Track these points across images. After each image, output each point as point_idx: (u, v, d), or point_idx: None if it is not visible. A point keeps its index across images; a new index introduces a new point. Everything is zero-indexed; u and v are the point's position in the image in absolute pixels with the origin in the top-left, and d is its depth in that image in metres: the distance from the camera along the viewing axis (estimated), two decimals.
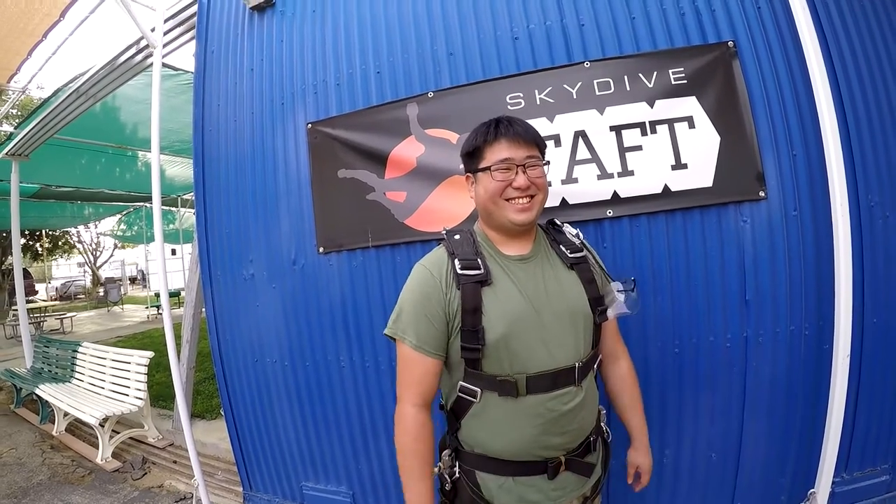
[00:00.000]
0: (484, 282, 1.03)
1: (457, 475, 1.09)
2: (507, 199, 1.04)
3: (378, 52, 1.96)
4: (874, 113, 1.78)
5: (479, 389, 1.03)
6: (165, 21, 2.81)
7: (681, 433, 1.74)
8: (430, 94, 1.84)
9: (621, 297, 1.12)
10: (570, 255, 1.12)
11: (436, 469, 1.13)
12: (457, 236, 1.12)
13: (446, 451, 1.12)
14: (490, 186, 1.05)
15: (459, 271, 1.03)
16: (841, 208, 1.62)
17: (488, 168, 1.04)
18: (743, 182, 1.69)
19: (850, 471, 1.78)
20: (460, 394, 1.06)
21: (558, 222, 1.21)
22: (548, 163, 1.10)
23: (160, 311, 10.36)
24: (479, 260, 1.05)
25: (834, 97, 1.67)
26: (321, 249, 2.00)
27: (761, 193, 1.69)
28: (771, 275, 1.69)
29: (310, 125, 2.03)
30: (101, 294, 15.21)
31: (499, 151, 1.04)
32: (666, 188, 1.68)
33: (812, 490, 1.69)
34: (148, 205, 8.72)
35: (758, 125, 1.72)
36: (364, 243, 1.90)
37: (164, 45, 2.94)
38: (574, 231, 1.18)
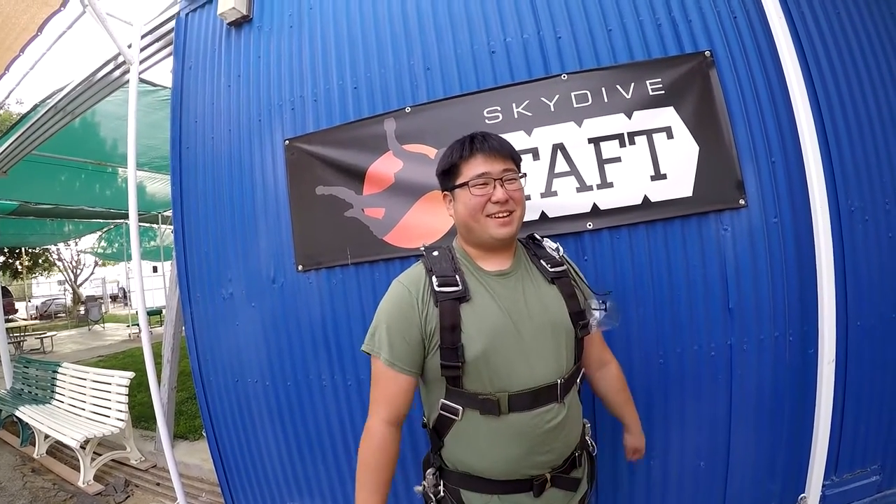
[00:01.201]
0: (462, 298, 1.02)
1: (441, 494, 1.08)
2: (488, 216, 1.04)
3: (355, 68, 1.96)
4: (851, 118, 1.81)
5: (460, 407, 1.03)
6: (143, 37, 2.78)
7: (668, 443, 1.74)
8: (408, 110, 1.84)
9: (598, 314, 1.13)
10: (550, 270, 1.12)
11: (420, 488, 1.13)
12: (435, 252, 1.11)
13: (430, 470, 1.12)
14: (470, 202, 1.05)
15: (437, 288, 1.03)
16: (821, 213, 1.64)
17: (466, 184, 1.04)
18: (723, 190, 1.71)
19: (839, 473, 1.78)
20: (442, 412, 1.05)
21: (538, 237, 1.21)
22: (524, 175, 1.11)
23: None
24: (457, 276, 1.05)
25: (811, 104, 1.70)
26: (300, 267, 1.98)
27: (741, 201, 1.70)
28: (753, 282, 1.70)
29: (287, 141, 2.02)
30: (82, 312, 14.93)
31: (475, 167, 1.05)
32: (646, 199, 1.69)
33: (802, 495, 1.70)
34: (127, 222, 8.63)
35: (736, 133, 1.73)
36: (343, 261, 1.89)
37: (142, 62, 2.92)
38: (554, 245, 1.19)
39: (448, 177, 1.10)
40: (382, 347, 1.04)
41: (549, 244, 1.19)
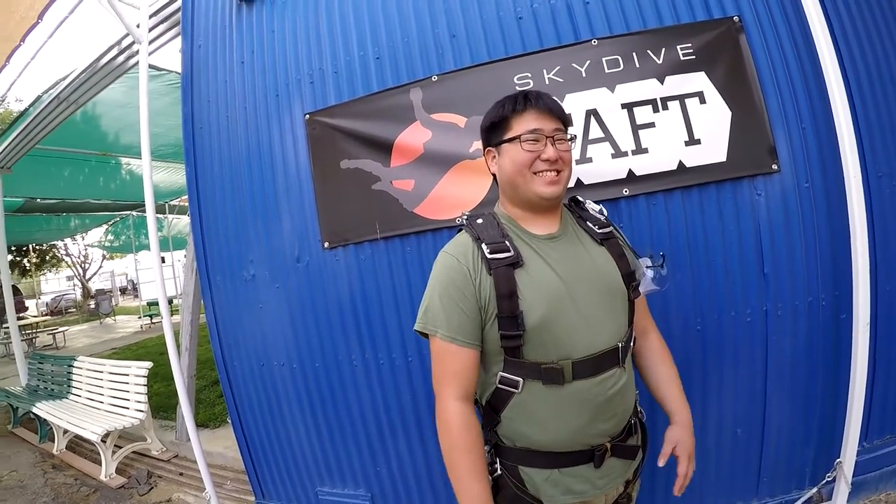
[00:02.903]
0: (516, 264, 0.94)
1: (498, 472, 0.99)
2: (535, 173, 0.96)
3: (377, 38, 1.83)
4: (877, 85, 1.73)
5: (520, 379, 0.94)
6: (152, 15, 2.62)
7: (706, 411, 1.67)
8: (435, 78, 1.72)
9: (651, 273, 1.05)
10: (598, 231, 1.04)
11: None
12: (479, 220, 1.02)
13: (485, 448, 1.01)
14: (518, 157, 0.96)
15: (489, 255, 0.94)
16: (854, 178, 1.57)
17: (516, 138, 0.96)
18: (756, 156, 1.63)
19: (870, 439, 1.73)
20: (500, 385, 0.96)
21: (581, 199, 1.13)
22: (574, 137, 1.02)
23: (153, 321, 10.11)
24: (506, 242, 0.96)
25: (841, 69, 1.61)
26: (326, 245, 1.86)
27: (774, 167, 1.62)
28: (787, 247, 1.63)
29: (308, 116, 1.89)
30: (93, 306, 14.63)
31: (528, 122, 0.96)
32: (681, 164, 1.60)
33: (838, 460, 1.64)
34: (135, 213, 8.39)
35: (767, 99, 1.65)
36: (371, 235, 1.77)
37: (152, 41, 2.76)
38: (598, 207, 1.11)
39: (496, 131, 1.01)
40: (439, 323, 0.95)
41: (591, 206, 1.12)
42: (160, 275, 2.13)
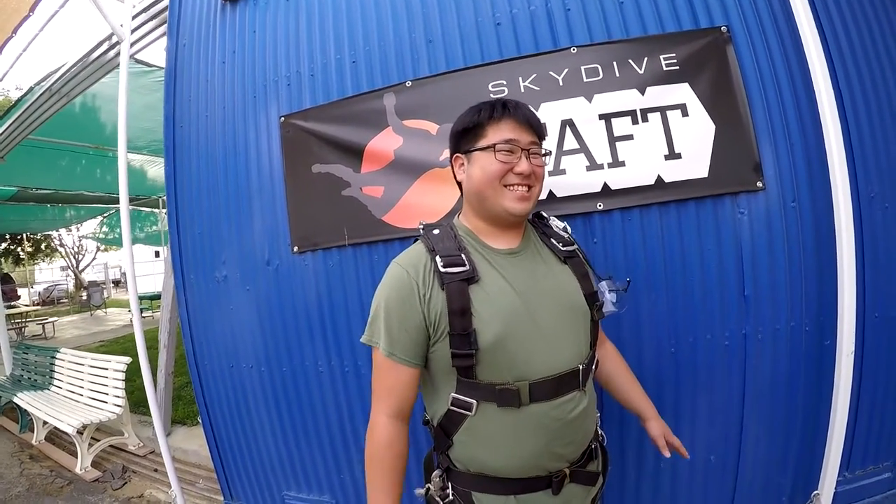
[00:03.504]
0: (471, 279, 0.91)
1: (450, 497, 0.97)
2: (506, 186, 0.93)
3: (354, 41, 1.83)
4: (872, 101, 1.69)
5: (474, 401, 0.91)
6: (137, 15, 2.65)
7: (678, 435, 1.58)
8: (408, 84, 1.71)
9: (612, 296, 1.04)
10: (562, 249, 1.01)
11: (421, 491, 1.03)
12: (436, 231, 0.99)
13: (436, 472, 1.00)
14: (490, 168, 0.93)
15: (442, 269, 0.91)
16: (843, 199, 1.53)
17: (491, 147, 0.92)
18: (740, 172, 1.59)
19: (851, 469, 1.68)
20: (452, 407, 0.93)
21: (545, 214, 1.10)
22: (548, 153, 1.00)
23: (144, 315, 10.19)
24: (462, 255, 0.93)
25: (833, 85, 1.58)
26: (295, 249, 1.86)
27: (759, 184, 1.58)
28: (770, 269, 1.59)
29: (283, 118, 1.89)
30: (84, 298, 14.78)
31: (504, 131, 0.93)
32: (659, 179, 1.57)
33: (816, 492, 1.60)
34: (130, 207, 8.48)
35: (754, 114, 1.61)
36: (340, 242, 1.76)
37: (138, 41, 2.79)
38: (561, 224, 1.09)
39: (468, 137, 0.97)
40: (381, 337, 0.94)
41: (556, 223, 1.09)
42: (131, 271, 2.15)
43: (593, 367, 1.01)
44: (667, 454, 1.13)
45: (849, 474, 1.67)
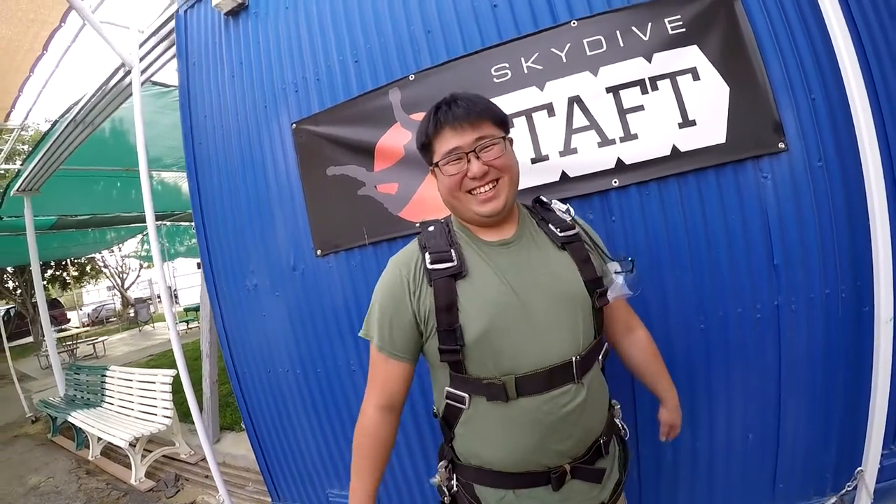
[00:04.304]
0: (458, 274, 0.92)
1: (455, 488, 1.01)
2: (469, 191, 0.93)
3: (354, 40, 1.87)
4: (895, 40, 1.60)
5: (466, 395, 0.93)
6: (147, 39, 2.77)
7: (713, 415, 1.62)
8: (412, 77, 1.74)
9: (619, 278, 1.00)
10: (560, 234, 1.00)
11: (435, 479, 1.05)
12: (431, 227, 1.02)
13: (442, 463, 1.04)
14: (446, 182, 0.94)
15: (429, 266, 0.93)
16: (871, 154, 1.46)
17: (437, 163, 0.95)
18: (759, 134, 1.55)
19: None
20: (448, 400, 0.96)
21: (545, 199, 1.09)
22: (504, 137, 0.95)
23: (189, 326, 10.72)
24: (452, 251, 0.95)
25: (850, 28, 1.50)
26: (318, 252, 1.93)
27: (781, 145, 1.54)
28: (799, 234, 1.54)
29: (294, 125, 1.96)
30: (132, 315, 15.64)
31: (446, 142, 0.92)
32: (675, 149, 1.54)
33: (859, 468, 1.55)
34: (167, 223, 8.88)
35: (769, 70, 1.56)
36: (360, 241, 1.82)
37: (151, 64, 2.92)
38: (564, 207, 1.06)
39: (425, 154, 1.00)
40: (374, 332, 0.98)
41: (558, 206, 1.06)
42: (164, 288, 2.28)
43: (599, 356, 0.99)
44: (661, 439, 1.22)
45: (895, 447, 1.61)
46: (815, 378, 1.58)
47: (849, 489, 1.58)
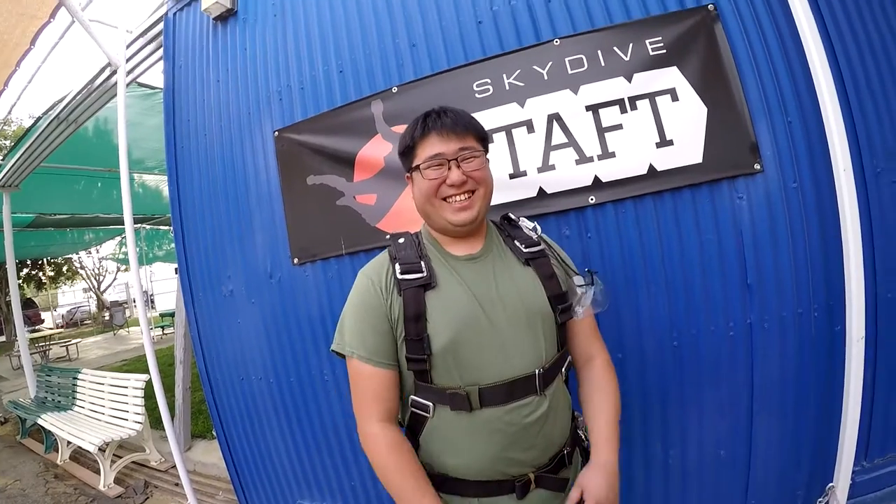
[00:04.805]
0: (427, 285, 0.95)
1: None
2: (445, 199, 0.96)
3: (339, 51, 1.89)
4: (872, 69, 1.66)
5: (430, 404, 0.95)
6: (135, 40, 2.77)
7: (685, 432, 1.63)
8: (394, 90, 1.76)
9: (585, 291, 1.01)
10: (524, 250, 1.03)
11: None
12: (401, 239, 1.04)
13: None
14: (423, 186, 0.97)
15: (399, 276, 0.95)
16: (845, 176, 1.52)
17: (419, 166, 0.97)
18: (736, 155, 1.59)
19: (870, 458, 1.66)
20: (413, 408, 0.98)
21: (513, 216, 1.12)
22: (486, 152, 1.00)
23: (165, 332, 10.57)
24: (421, 263, 0.97)
25: (828, 55, 1.56)
26: (295, 260, 1.93)
27: (756, 166, 1.58)
28: (773, 254, 1.58)
29: (276, 133, 1.97)
30: (107, 318, 15.39)
31: (430, 147, 0.95)
32: (651, 168, 1.58)
33: (830, 485, 1.58)
34: (147, 226, 8.80)
35: (747, 92, 1.61)
36: (337, 251, 1.83)
37: (137, 65, 2.92)
38: (531, 224, 1.09)
39: (406, 158, 1.02)
40: (355, 344, 0.96)
41: (525, 223, 1.10)
42: (140, 293, 2.26)
43: (563, 368, 1.01)
44: None
45: (867, 464, 1.64)
46: (787, 395, 1.60)
47: None
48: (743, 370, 1.60)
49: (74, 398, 4.14)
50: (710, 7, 1.63)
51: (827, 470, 1.59)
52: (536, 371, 0.93)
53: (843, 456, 1.52)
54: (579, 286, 1.01)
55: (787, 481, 1.63)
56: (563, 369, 1.02)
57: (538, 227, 1.09)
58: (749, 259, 1.58)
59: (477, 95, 1.66)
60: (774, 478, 1.63)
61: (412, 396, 0.97)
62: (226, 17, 2.22)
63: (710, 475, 1.64)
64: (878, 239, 1.61)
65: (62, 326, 16.71)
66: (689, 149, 1.59)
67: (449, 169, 0.94)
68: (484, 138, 1.01)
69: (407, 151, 1.01)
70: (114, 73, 3.14)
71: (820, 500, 1.59)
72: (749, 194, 1.59)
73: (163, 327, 10.98)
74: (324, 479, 2.06)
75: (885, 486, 1.62)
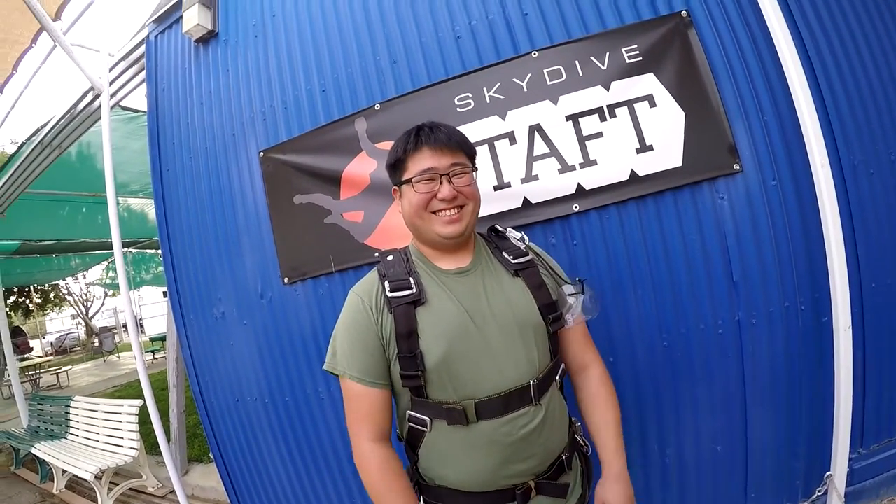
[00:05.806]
0: (417, 302, 0.97)
1: None
2: (434, 212, 0.99)
3: (321, 70, 1.94)
4: (844, 65, 1.73)
5: (427, 418, 0.97)
6: (117, 63, 2.81)
7: (681, 429, 1.68)
8: (377, 107, 1.81)
9: (574, 300, 1.04)
10: (513, 262, 1.05)
11: None
12: (389, 257, 1.06)
13: (410, 484, 1.08)
14: (414, 199, 0.99)
15: (389, 294, 0.98)
16: (822, 171, 1.58)
17: (411, 180, 0.99)
18: (715, 157, 1.65)
19: (866, 445, 1.72)
20: (410, 423, 1.00)
21: (500, 228, 1.15)
22: (475, 169, 1.04)
23: (156, 356, 10.50)
24: (411, 279, 0.99)
25: (800, 53, 1.63)
26: (286, 280, 1.97)
27: (736, 166, 1.64)
28: (757, 251, 1.64)
29: (262, 153, 2.01)
30: (96, 344, 15.24)
31: (422, 161, 0.98)
32: (633, 174, 1.63)
33: (828, 473, 1.63)
34: (133, 250, 8.78)
35: (723, 94, 1.68)
36: (327, 269, 1.87)
37: (120, 88, 2.96)
38: (518, 235, 1.12)
39: (395, 171, 1.04)
40: (346, 364, 0.97)
41: (512, 234, 1.12)
42: (130, 312, 2.28)
43: (557, 376, 1.03)
44: None
45: (863, 451, 1.70)
46: (780, 388, 1.66)
47: (819, 494, 1.65)
48: (734, 366, 1.65)
49: (68, 426, 4.11)
50: (684, 13, 1.70)
51: (824, 459, 1.65)
52: (531, 382, 0.95)
53: (839, 444, 1.57)
54: (570, 295, 1.04)
55: (786, 472, 1.69)
56: (558, 377, 1.05)
57: (526, 238, 1.12)
58: (734, 257, 1.64)
59: (458, 109, 1.71)
60: (772, 470, 1.68)
61: (409, 412, 0.99)
62: (207, 38, 2.27)
63: (709, 471, 1.69)
64: (858, 229, 1.67)
65: (51, 354, 16.55)
66: (668, 153, 1.64)
67: (441, 184, 0.97)
68: (473, 155, 1.05)
69: (397, 164, 1.02)
70: (97, 97, 3.18)
71: (819, 488, 1.63)
72: (730, 194, 1.65)
73: (153, 352, 10.87)
74: (324, 498, 2.08)
75: (882, 472, 1.68)
